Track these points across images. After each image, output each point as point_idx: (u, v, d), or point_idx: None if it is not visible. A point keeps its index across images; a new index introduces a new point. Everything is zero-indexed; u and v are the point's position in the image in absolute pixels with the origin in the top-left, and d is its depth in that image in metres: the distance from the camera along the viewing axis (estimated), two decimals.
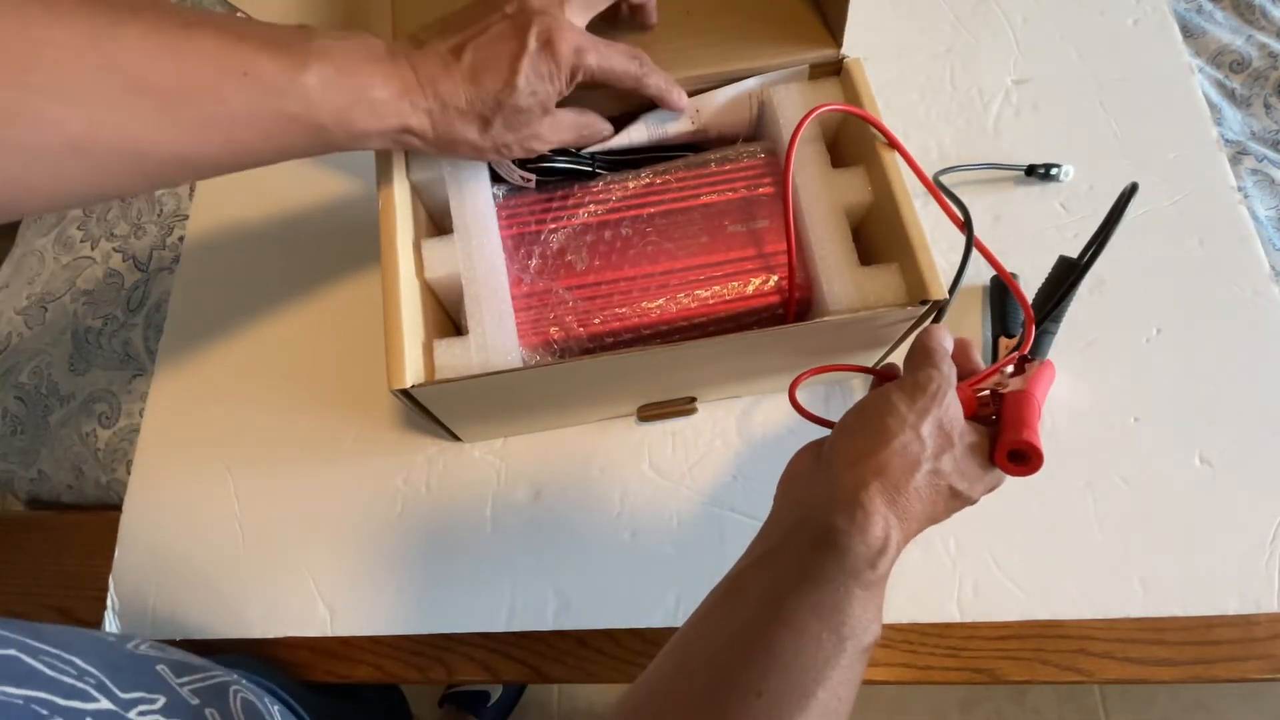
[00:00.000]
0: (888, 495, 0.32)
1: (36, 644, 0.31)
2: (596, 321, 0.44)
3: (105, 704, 0.30)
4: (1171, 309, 0.54)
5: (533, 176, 0.46)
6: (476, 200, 0.45)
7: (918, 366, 0.36)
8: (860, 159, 0.45)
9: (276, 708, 0.43)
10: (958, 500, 0.35)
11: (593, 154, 0.47)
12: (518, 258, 0.45)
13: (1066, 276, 0.49)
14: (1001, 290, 0.54)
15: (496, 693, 1.09)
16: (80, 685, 0.30)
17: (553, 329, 0.44)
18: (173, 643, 0.51)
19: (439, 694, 1.11)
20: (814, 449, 0.38)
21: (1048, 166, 0.58)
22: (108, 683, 0.32)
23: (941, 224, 0.58)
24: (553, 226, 0.46)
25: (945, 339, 0.38)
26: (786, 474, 0.38)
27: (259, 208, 0.63)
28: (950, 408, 0.34)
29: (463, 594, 0.50)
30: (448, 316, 0.48)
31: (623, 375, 0.45)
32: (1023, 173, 0.58)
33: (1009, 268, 0.56)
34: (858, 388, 0.54)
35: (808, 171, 0.45)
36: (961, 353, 0.39)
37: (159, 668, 0.37)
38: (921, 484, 0.33)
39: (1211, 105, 0.60)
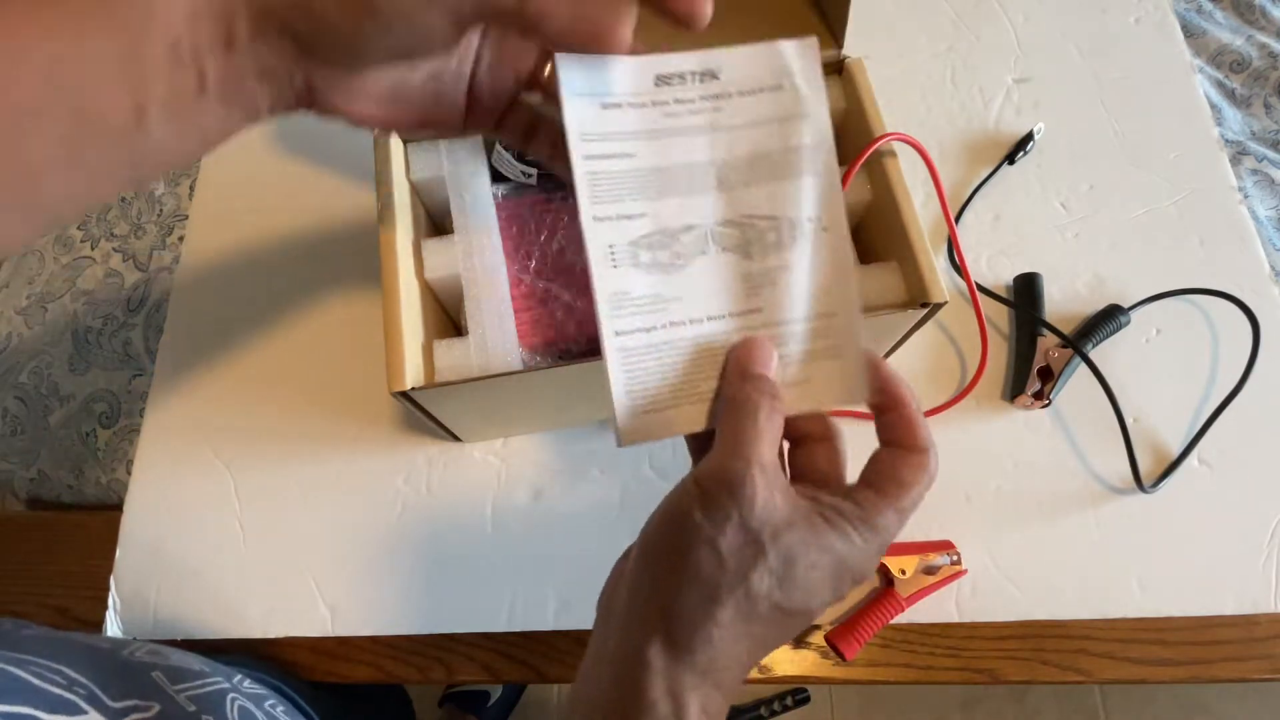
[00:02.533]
0: (673, 658, 0.25)
1: (24, 655, 0.30)
2: None
3: (94, 715, 0.30)
4: (1172, 309, 0.54)
5: (534, 171, 0.46)
6: (476, 200, 0.45)
7: (719, 443, 0.28)
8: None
9: (281, 708, 0.43)
10: (796, 620, 0.27)
11: None
12: (518, 258, 0.45)
13: (1111, 320, 0.52)
14: (1027, 287, 0.54)
15: (497, 692, 1.09)
16: (69, 696, 0.30)
17: (553, 329, 0.44)
18: (174, 643, 0.51)
19: (439, 694, 1.11)
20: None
21: (1022, 143, 0.58)
22: (98, 692, 0.31)
23: (940, 224, 0.58)
24: (553, 227, 0.46)
25: (762, 368, 0.29)
26: (609, 579, 0.31)
27: (259, 208, 0.63)
28: (757, 500, 0.25)
29: (463, 594, 0.50)
30: (448, 317, 0.48)
31: None
32: (1007, 164, 0.59)
33: (1011, 268, 0.56)
34: None
35: None
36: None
37: (154, 674, 0.36)
38: (727, 624, 0.25)
39: (1211, 105, 0.60)
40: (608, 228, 0.30)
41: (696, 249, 0.31)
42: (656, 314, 0.31)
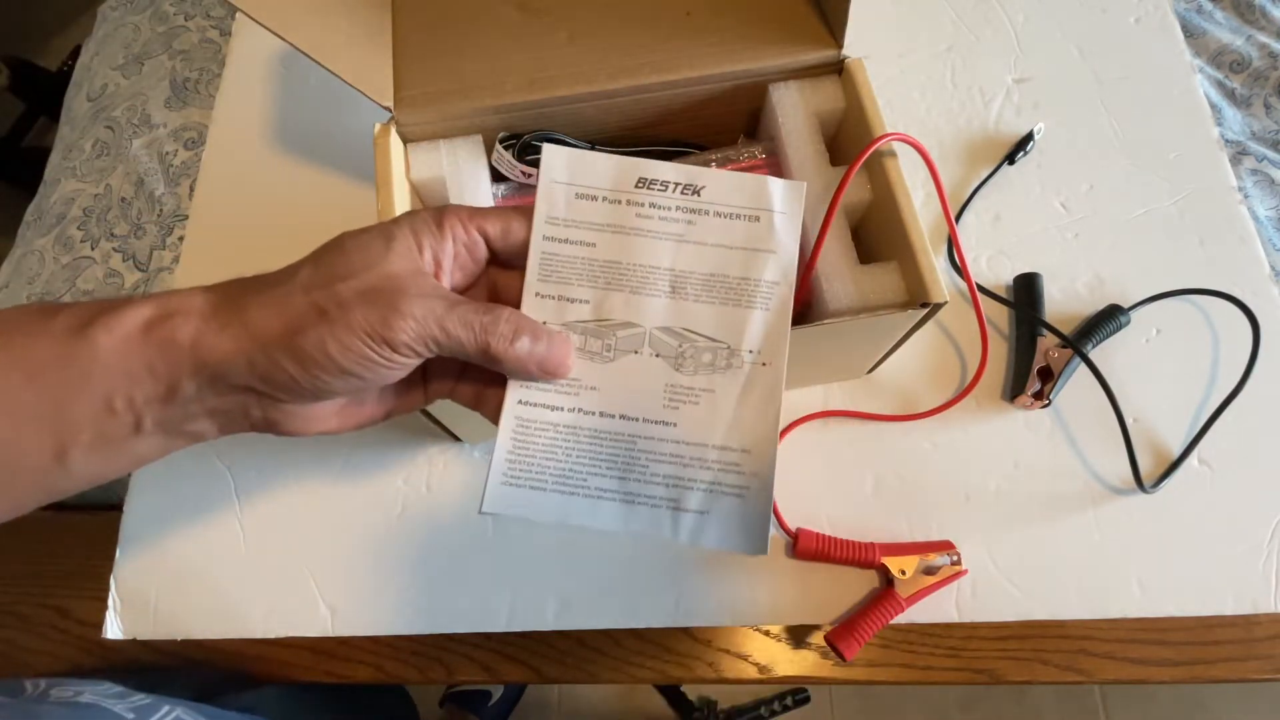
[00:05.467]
0: None
1: None
2: None
3: None
4: (1172, 309, 0.54)
5: (534, 171, 0.46)
6: (476, 200, 0.45)
7: None
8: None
9: None
10: None
11: (593, 145, 0.47)
12: None
13: (1111, 320, 0.52)
14: (1027, 287, 0.54)
15: (498, 692, 1.09)
16: None
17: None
18: (174, 643, 0.51)
19: (439, 693, 1.11)
20: None
21: (1022, 143, 0.58)
22: None
23: (940, 225, 0.58)
24: None
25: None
26: None
27: (259, 208, 0.63)
28: None
29: (463, 594, 0.50)
30: None
31: None
32: (1007, 164, 0.59)
33: (1011, 268, 0.56)
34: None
35: (807, 170, 0.45)
36: None
37: None
38: None
39: (1211, 105, 0.60)
40: (546, 305, 0.32)
41: (630, 347, 0.32)
42: (568, 396, 0.31)
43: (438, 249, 0.29)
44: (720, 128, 0.50)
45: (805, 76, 0.46)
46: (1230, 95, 0.62)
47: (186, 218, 0.65)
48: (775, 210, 0.32)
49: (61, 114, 0.83)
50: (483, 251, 0.31)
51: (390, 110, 0.44)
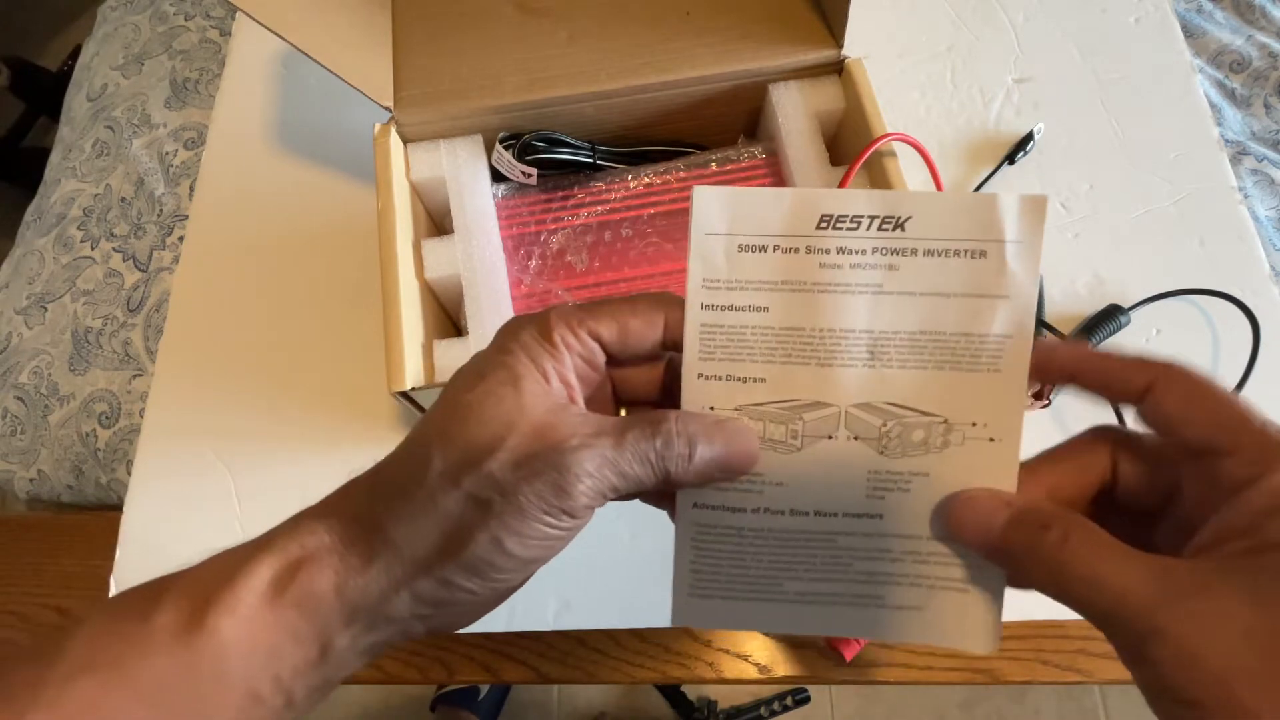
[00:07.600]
0: None
1: None
2: None
3: None
4: (1172, 309, 0.54)
5: (534, 171, 0.46)
6: (476, 200, 0.45)
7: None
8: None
9: None
10: None
11: (593, 145, 0.47)
12: (518, 258, 0.45)
13: (1111, 320, 0.52)
14: None
15: (485, 686, 1.09)
16: None
17: None
18: None
19: (429, 699, 1.11)
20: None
21: (1022, 143, 0.58)
22: None
23: None
24: (553, 227, 0.46)
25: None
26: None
27: (259, 208, 0.63)
28: None
29: None
30: (448, 317, 0.48)
31: None
32: (1007, 164, 0.58)
33: None
34: None
35: (807, 170, 0.45)
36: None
37: None
38: None
39: (1211, 105, 0.60)
40: (713, 388, 0.26)
41: (821, 432, 0.26)
42: (750, 495, 0.27)
43: (560, 368, 0.25)
44: (720, 128, 0.50)
45: (805, 76, 0.46)
46: (1230, 95, 0.62)
47: (186, 218, 0.65)
48: (1008, 240, 0.25)
49: (61, 114, 0.83)
50: (600, 359, 0.26)
51: (390, 110, 0.44)
